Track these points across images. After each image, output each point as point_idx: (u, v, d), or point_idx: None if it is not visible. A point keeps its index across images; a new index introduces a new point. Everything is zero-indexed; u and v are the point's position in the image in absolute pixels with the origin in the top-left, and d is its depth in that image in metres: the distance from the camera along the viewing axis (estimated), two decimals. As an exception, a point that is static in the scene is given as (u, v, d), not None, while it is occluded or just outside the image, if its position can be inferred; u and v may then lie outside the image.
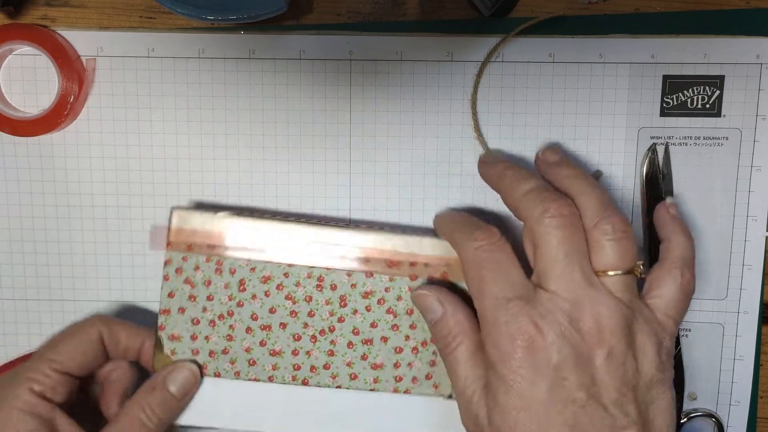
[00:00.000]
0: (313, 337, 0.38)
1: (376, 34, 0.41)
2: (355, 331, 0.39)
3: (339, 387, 0.39)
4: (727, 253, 0.42)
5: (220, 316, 0.38)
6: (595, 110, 0.41)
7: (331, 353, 0.38)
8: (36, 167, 0.41)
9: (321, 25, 0.41)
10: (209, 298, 0.38)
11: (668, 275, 0.34)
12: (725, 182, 0.42)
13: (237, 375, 0.38)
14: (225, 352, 0.38)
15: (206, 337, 0.38)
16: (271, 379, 0.38)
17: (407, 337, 0.39)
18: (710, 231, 0.42)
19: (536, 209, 0.34)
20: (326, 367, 0.39)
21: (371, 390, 0.39)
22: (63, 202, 0.42)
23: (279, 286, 0.38)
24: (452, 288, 0.38)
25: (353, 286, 0.38)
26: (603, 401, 0.31)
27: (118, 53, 0.41)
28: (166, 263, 0.38)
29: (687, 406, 0.43)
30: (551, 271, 0.33)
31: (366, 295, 0.38)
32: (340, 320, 0.38)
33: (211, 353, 0.38)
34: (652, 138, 0.41)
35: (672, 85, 0.41)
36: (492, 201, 0.42)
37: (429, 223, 0.42)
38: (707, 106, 0.41)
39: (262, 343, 0.38)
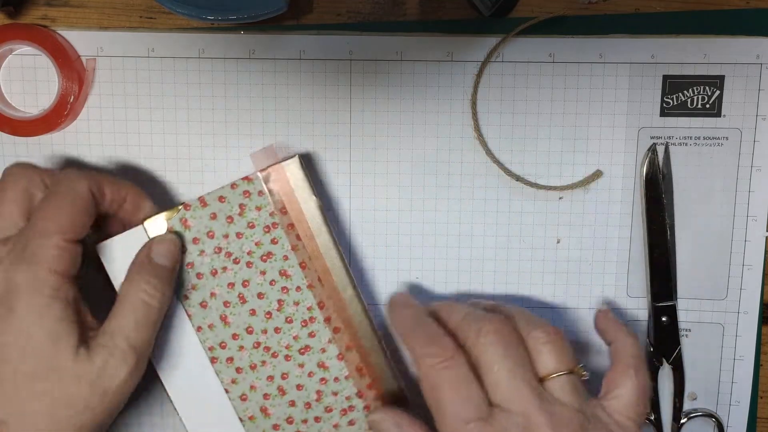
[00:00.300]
0: (257, 344, 0.39)
1: (376, 34, 0.41)
2: (284, 376, 0.39)
3: (227, 392, 0.39)
4: (727, 253, 0.42)
5: (228, 254, 0.38)
6: (595, 110, 0.41)
7: (253, 367, 0.39)
8: (36, 167, 0.41)
9: (321, 25, 0.41)
10: (238, 236, 0.38)
11: (623, 376, 0.35)
12: (725, 182, 0.42)
13: (185, 299, 0.38)
14: (199, 276, 0.38)
15: (201, 252, 0.38)
16: (198, 330, 0.38)
17: (305, 421, 0.39)
18: (710, 231, 0.42)
19: (471, 331, 0.34)
20: (238, 371, 0.39)
21: (240, 420, 0.39)
22: (63, 202, 0.42)
23: (284, 289, 0.38)
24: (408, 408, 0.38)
25: (323, 350, 0.39)
26: None
27: (118, 53, 0.41)
28: (246, 179, 0.38)
29: (687, 406, 0.43)
30: (499, 389, 0.33)
31: (321, 365, 0.39)
32: (287, 358, 0.39)
33: (189, 264, 0.38)
34: (652, 138, 0.41)
35: (672, 85, 0.41)
36: (492, 202, 0.42)
37: (431, 226, 0.42)
38: (707, 106, 0.41)
39: (225, 305, 0.38)
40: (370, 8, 0.41)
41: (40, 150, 0.41)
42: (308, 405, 0.39)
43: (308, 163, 0.41)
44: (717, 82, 0.41)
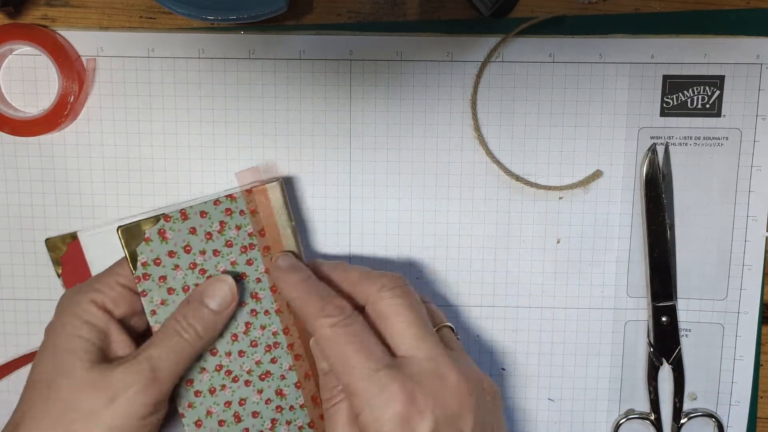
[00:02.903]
0: (219, 366, 0.37)
1: (376, 34, 0.41)
2: (241, 402, 0.38)
3: (183, 416, 0.37)
4: (727, 253, 0.42)
5: (202, 271, 0.37)
6: (595, 110, 0.41)
7: (212, 391, 0.37)
8: (36, 167, 0.41)
9: (321, 25, 0.41)
10: (215, 253, 0.37)
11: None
12: (725, 182, 0.42)
13: (152, 314, 0.37)
14: (170, 292, 0.37)
15: (176, 266, 0.37)
16: None
17: None
18: (710, 231, 0.42)
19: (373, 286, 0.35)
20: (197, 394, 0.37)
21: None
22: (63, 202, 0.42)
23: (253, 312, 0.38)
24: None
25: (282, 377, 0.38)
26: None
27: (118, 53, 0.41)
28: (230, 197, 0.37)
29: (687, 406, 0.43)
30: (405, 339, 0.34)
31: (279, 392, 0.38)
32: (247, 383, 0.38)
33: (161, 278, 0.37)
34: (652, 138, 0.41)
35: (672, 85, 0.41)
36: (492, 202, 0.42)
37: (430, 226, 0.42)
38: (707, 106, 0.41)
39: None
40: (370, 8, 0.41)
41: (40, 150, 0.41)
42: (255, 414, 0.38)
43: (287, 186, 0.40)
44: (717, 82, 0.41)
